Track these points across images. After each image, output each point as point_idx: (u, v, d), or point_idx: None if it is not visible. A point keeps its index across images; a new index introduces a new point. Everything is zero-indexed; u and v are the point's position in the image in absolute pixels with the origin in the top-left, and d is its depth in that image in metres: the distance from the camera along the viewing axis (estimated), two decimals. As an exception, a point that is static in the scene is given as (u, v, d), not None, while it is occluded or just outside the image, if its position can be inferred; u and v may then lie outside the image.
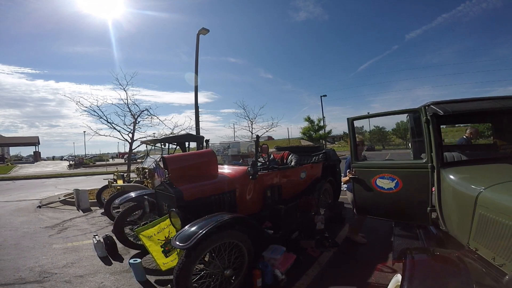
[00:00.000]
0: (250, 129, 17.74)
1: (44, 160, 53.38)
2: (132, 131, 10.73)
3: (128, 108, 10.74)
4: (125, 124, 10.61)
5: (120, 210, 5.84)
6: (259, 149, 4.00)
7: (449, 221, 2.56)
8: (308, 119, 34.86)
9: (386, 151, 37.29)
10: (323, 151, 5.77)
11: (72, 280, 3.26)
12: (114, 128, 10.38)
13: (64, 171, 26.42)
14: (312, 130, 34.24)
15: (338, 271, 3.33)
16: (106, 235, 4.24)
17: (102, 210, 7.28)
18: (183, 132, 10.79)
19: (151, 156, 8.20)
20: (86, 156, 52.47)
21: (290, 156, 5.09)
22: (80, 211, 7.38)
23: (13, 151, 62.01)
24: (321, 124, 33.95)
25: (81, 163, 36.40)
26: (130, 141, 10.67)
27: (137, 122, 10.83)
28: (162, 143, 8.22)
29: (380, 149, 42.67)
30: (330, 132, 36.26)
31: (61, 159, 56.78)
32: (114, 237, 4.16)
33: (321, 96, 31.23)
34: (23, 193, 11.61)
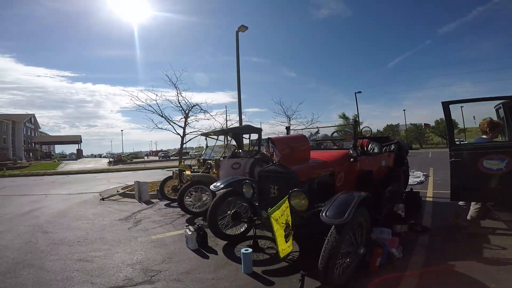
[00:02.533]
0: (288, 125, 17.21)
1: (85, 157, 56.54)
2: (183, 126, 10.66)
3: (179, 103, 10.64)
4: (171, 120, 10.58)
5: (191, 201, 5.62)
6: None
7: None
8: (343, 116, 33.74)
9: (425, 150, 34.50)
10: (395, 141, 5.55)
11: (180, 278, 2.93)
12: (169, 123, 10.35)
13: (105, 167, 27.54)
14: (304, 128, 33.11)
15: (446, 249, 3.37)
16: (198, 225, 3.93)
17: (165, 202, 7.19)
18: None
19: (209, 148, 8.00)
20: (123, 154, 54.81)
21: (371, 145, 5.07)
22: (142, 203, 7.30)
23: (57, 149, 66.49)
24: (357, 120, 32.55)
25: (120, 160, 37.96)
26: (182, 135, 10.62)
27: (188, 116, 10.74)
28: (218, 135, 7.97)
29: (417, 148, 39.62)
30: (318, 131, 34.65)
31: (100, 157, 59.88)
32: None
33: (355, 93, 30.09)
34: (80, 186, 11.98)
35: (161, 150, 74.99)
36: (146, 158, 40.70)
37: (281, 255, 2.68)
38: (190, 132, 10.80)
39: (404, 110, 55.95)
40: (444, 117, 3.98)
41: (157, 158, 49.17)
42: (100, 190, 10.08)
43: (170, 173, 7.66)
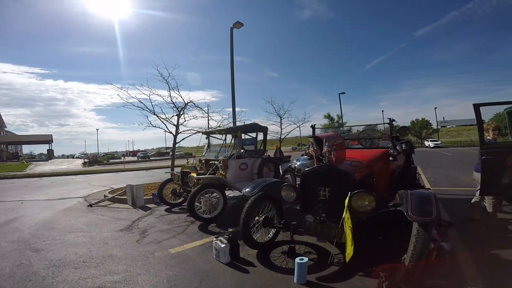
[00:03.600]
0: (280, 125, 16.94)
1: (57, 158, 53.05)
2: (176, 124, 9.96)
3: (171, 100, 9.91)
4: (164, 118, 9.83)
5: (201, 206, 5.07)
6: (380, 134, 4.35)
7: None
8: (328, 116, 34.16)
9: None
10: (406, 140, 5.44)
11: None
12: (161, 121, 9.58)
13: (81, 168, 25.82)
14: (332, 127, 33.76)
15: (477, 239, 3.73)
16: (229, 236, 3.43)
17: (164, 207, 6.55)
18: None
19: (211, 148, 7.44)
20: (99, 154, 52.02)
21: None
22: (138, 209, 6.62)
23: (25, 149, 62.00)
24: (341, 121, 33.33)
25: (95, 161, 35.87)
26: (174, 134, 9.90)
27: (180, 114, 10.04)
28: (224, 134, 7.45)
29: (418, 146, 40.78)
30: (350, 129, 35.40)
31: (73, 157, 56.47)
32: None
33: (339, 94, 30.79)
34: (59, 190, 10.88)
35: (139, 150, 72.21)
36: (123, 159, 38.71)
37: (348, 259, 2.56)
38: (184, 131, 10.12)
39: (382, 110, 58.12)
40: (475, 118, 4.08)
41: (135, 158, 47.09)
42: (83, 195, 9.16)
43: (165, 175, 7.13)
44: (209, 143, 7.65)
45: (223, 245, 3.25)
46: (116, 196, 8.02)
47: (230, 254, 3.26)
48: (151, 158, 46.48)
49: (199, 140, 8.04)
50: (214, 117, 10.50)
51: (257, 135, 7.37)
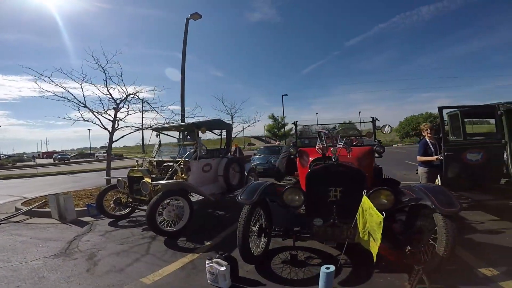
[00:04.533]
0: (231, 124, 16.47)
1: None
2: (113, 120, 8.43)
3: (108, 91, 8.36)
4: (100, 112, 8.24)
5: (163, 218, 4.15)
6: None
7: None
8: (272, 117, 35.14)
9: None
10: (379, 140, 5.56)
11: None
12: (95, 115, 7.95)
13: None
14: (276, 128, 34.77)
15: None
16: (224, 254, 2.76)
17: (105, 220, 5.35)
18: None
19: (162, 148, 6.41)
20: (1, 156, 42.94)
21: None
22: (70, 224, 5.26)
23: None
24: (283, 122, 34.80)
25: (-4, 164, 29.40)
26: (110, 131, 8.36)
27: (119, 108, 8.55)
28: (182, 131, 6.53)
29: None
30: (291, 129, 37.36)
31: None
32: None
33: (282, 96, 32.15)
34: None
35: (55, 151, 62.13)
36: (34, 161, 32.51)
37: (375, 258, 2.48)
38: (123, 127, 8.64)
39: (317, 113, 62.74)
40: (440, 118, 4.74)
41: (51, 160, 40.26)
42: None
43: (97, 181, 5.93)
44: (160, 142, 6.59)
45: (222, 268, 2.58)
46: (34, 209, 6.31)
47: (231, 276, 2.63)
48: (71, 160, 40.38)
49: (149, 139, 6.90)
50: (150, 114, 9.28)
51: (221, 132, 6.65)
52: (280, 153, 12.66)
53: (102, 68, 7.89)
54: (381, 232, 2.38)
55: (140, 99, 8.83)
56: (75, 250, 3.82)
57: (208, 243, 3.84)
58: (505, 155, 4.26)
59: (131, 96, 8.57)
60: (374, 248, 2.47)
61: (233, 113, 13.99)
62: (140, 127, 8.58)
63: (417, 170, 5.06)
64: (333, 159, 2.92)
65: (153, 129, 6.46)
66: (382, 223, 2.37)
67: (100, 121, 8.18)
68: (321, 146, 3.14)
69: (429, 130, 4.75)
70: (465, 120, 5.91)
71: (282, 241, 3.25)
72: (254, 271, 2.91)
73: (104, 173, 8.69)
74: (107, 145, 8.52)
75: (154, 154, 6.37)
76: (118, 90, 8.27)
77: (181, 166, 5.11)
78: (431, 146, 4.62)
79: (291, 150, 4.31)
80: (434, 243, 2.57)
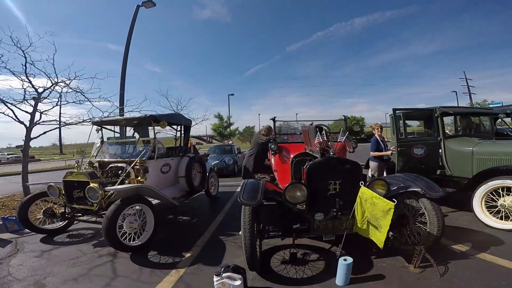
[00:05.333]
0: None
1: None
2: (32, 112, 6.82)
3: (27, 77, 6.72)
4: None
5: (124, 231, 3.39)
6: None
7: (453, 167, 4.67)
8: (218, 116, 34.33)
9: None
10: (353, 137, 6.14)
11: None
12: (6, 106, 6.26)
13: None
14: (222, 127, 34.13)
15: None
16: (231, 266, 2.40)
17: (37, 237, 4.23)
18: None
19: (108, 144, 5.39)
20: None
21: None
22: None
23: None
24: (229, 121, 34.60)
25: None
26: (28, 126, 6.73)
27: (41, 98, 6.96)
28: (131, 126, 5.62)
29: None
30: (236, 129, 38.61)
31: None
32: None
33: (229, 95, 31.67)
34: None
35: None
36: None
37: (382, 245, 2.58)
38: (46, 122, 7.05)
39: (259, 114, 64.08)
40: (393, 119, 5.15)
41: None
42: None
43: (12, 187, 4.61)
44: (102, 138, 5.52)
45: (237, 283, 2.30)
46: None
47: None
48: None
49: (89, 134, 5.71)
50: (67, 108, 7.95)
51: (181, 128, 5.94)
52: (232, 152, 12.33)
53: (23, 51, 6.30)
54: (391, 218, 2.45)
55: (72, 89, 7.36)
56: (9, 279, 2.82)
57: (188, 254, 3.31)
58: (440, 151, 4.93)
59: (61, 85, 7.07)
60: (378, 235, 2.59)
61: (179, 110, 13.05)
62: (61, 123, 7.10)
63: (368, 164, 5.62)
64: (331, 153, 2.94)
65: (94, 123, 5.34)
66: (393, 209, 2.43)
67: (14, 113, 6.54)
68: (320, 140, 3.01)
69: (379, 129, 5.37)
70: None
71: (281, 241, 3.20)
72: (259, 278, 2.67)
73: (13, 178, 6.96)
74: (26, 143, 6.83)
75: (95, 154, 5.29)
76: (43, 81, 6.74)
77: (137, 167, 4.31)
78: (381, 143, 5.21)
79: (272, 146, 4.11)
80: (420, 225, 2.88)
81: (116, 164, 4.68)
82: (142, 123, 5.27)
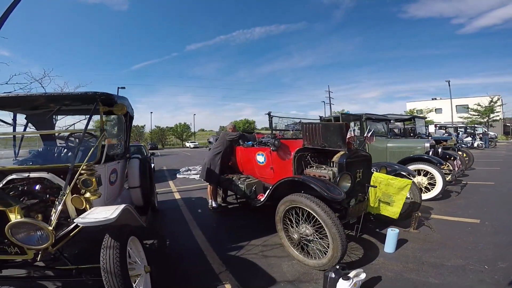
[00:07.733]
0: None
1: None
2: None
3: None
4: None
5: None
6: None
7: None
8: None
9: (169, 150, 39.24)
10: None
11: None
12: None
13: None
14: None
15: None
16: (342, 265, 2.47)
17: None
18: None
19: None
20: None
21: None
22: None
23: None
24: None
25: None
26: None
27: None
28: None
29: (162, 148, 44.17)
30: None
31: None
32: None
33: (118, 88, 26.79)
34: None
35: None
36: None
37: (396, 216, 3.15)
38: None
39: (151, 112, 57.74)
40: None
41: None
42: None
43: None
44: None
45: (363, 275, 2.40)
46: None
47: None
48: None
49: None
50: None
51: (128, 119, 4.28)
52: (141, 153, 10.25)
53: None
54: (406, 192, 3.07)
55: None
56: None
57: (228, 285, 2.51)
58: (366, 146, 5.94)
59: None
60: (391, 209, 3.14)
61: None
62: None
63: None
64: (358, 148, 3.71)
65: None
66: (410, 185, 3.08)
67: None
68: (351, 135, 3.27)
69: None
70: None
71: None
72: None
73: None
74: None
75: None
76: None
77: (82, 177, 2.73)
78: None
79: (276, 142, 3.83)
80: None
81: (25, 175, 2.83)
82: (74, 105, 3.42)
